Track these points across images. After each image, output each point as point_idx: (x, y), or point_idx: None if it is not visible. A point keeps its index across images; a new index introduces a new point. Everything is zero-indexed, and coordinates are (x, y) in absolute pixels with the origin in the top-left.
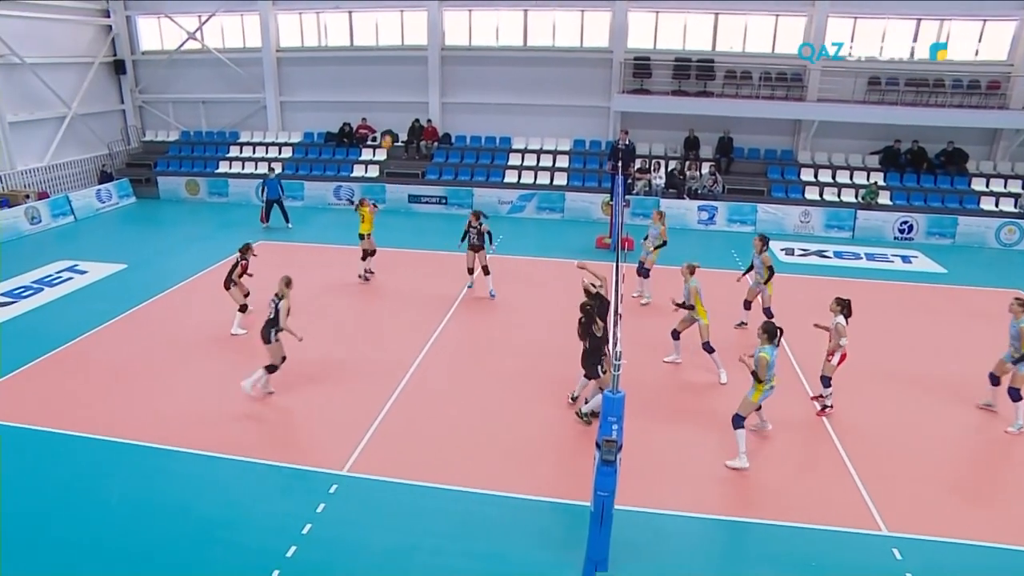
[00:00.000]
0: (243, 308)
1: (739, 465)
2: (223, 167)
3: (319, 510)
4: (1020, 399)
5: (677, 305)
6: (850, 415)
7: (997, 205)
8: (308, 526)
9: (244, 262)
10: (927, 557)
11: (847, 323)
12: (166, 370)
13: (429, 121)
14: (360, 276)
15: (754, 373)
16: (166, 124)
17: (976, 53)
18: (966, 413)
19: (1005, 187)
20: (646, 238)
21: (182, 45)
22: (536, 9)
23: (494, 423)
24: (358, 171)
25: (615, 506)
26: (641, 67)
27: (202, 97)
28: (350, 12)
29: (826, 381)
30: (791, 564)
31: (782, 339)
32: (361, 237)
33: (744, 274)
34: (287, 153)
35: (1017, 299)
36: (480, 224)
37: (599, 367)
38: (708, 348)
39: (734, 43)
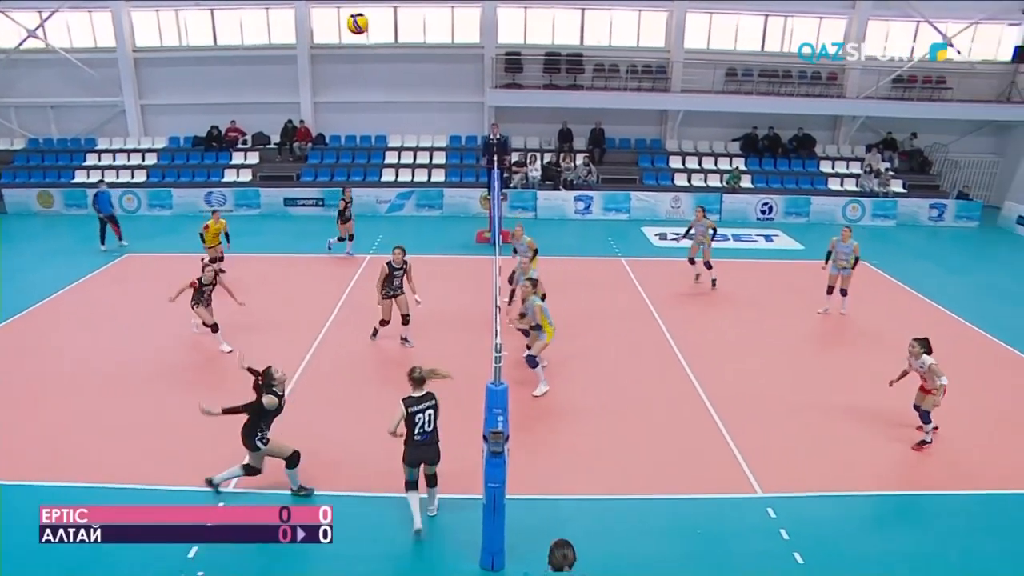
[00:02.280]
0: (215, 327)
1: (541, 391)
2: (80, 176)
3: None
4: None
5: (519, 329)
6: (723, 386)
7: (842, 185)
8: (194, 549)
9: (195, 281)
10: (797, 512)
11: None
12: (37, 395)
13: (302, 122)
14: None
15: (538, 326)
16: (9, 131)
17: (816, 47)
18: (824, 375)
19: (847, 168)
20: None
21: (21, 43)
22: (406, 6)
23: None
24: (229, 176)
25: (507, 495)
26: (512, 62)
27: (50, 101)
28: (212, 10)
29: (926, 417)
30: (679, 534)
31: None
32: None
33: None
34: (151, 160)
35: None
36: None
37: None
38: (531, 362)
39: (601, 37)
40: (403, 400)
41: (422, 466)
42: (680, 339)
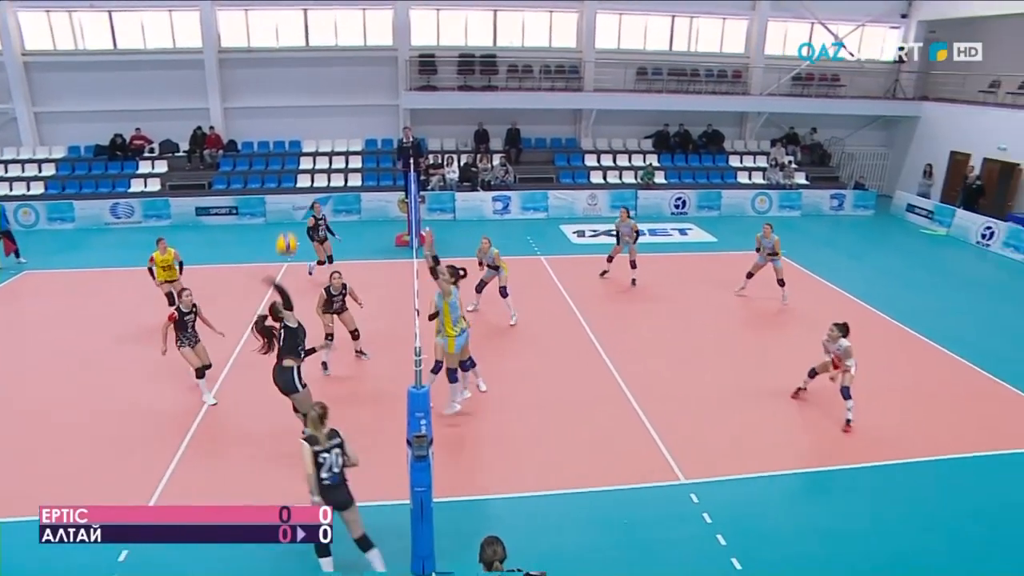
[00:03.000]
0: (201, 371)
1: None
2: None
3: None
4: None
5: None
6: (644, 377)
7: (750, 178)
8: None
9: (173, 313)
10: (718, 496)
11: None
12: None
13: (212, 128)
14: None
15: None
16: None
17: (720, 46)
18: (739, 361)
19: (754, 162)
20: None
21: None
22: (316, 8)
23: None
24: (136, 186)
25: (434, 499)
26: (426, 64)
27: None
28: (110, 12)
29: (846, 392)
30: (606, 525)
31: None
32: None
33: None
34: (49, 170)
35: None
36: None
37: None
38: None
39: (514, 38)
40: (306, 439)
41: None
42: (601, 333)
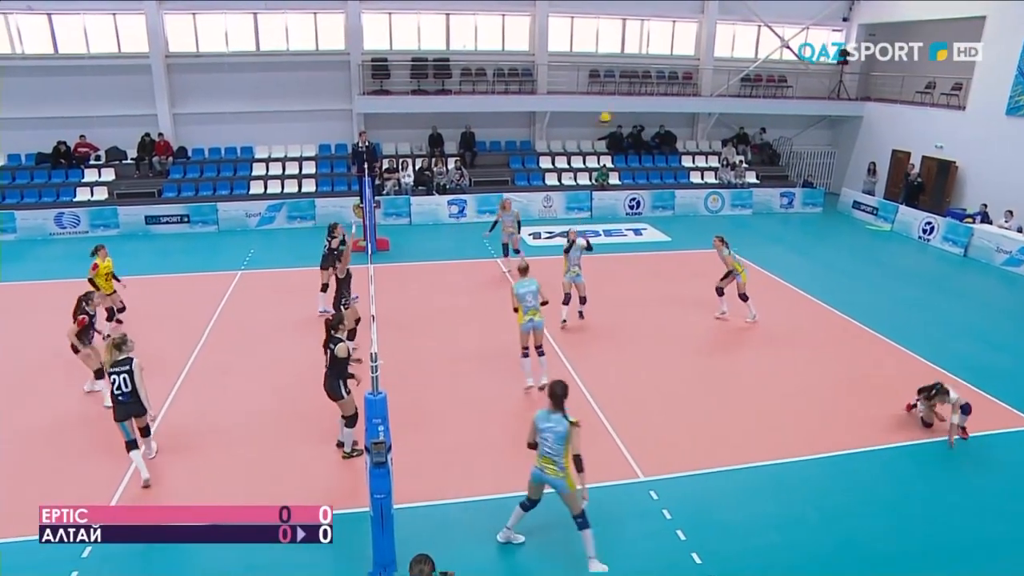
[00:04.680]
0: (100, 373)
1: (527, 385)
2: None
3: None
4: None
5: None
6: (602, 377)
7: (702, 178)
8: (88, 549)
9: (83, 317)
10: (677, 492)
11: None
12: None
13: (160, 135)
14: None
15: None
16: None
17: (671, 49)
18: (694, 358)
19: (707, 162)
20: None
21: None
22: (266, 12)
23: (258, 443)
24: (82, 194)
25: (394, 506)
26: (379, 68)
27: None
28: (48, 15)
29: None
30: (566, 525)
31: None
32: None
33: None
34: None
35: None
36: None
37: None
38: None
39: (467, 42)
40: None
41: (133, 421)
42: (558, 335)
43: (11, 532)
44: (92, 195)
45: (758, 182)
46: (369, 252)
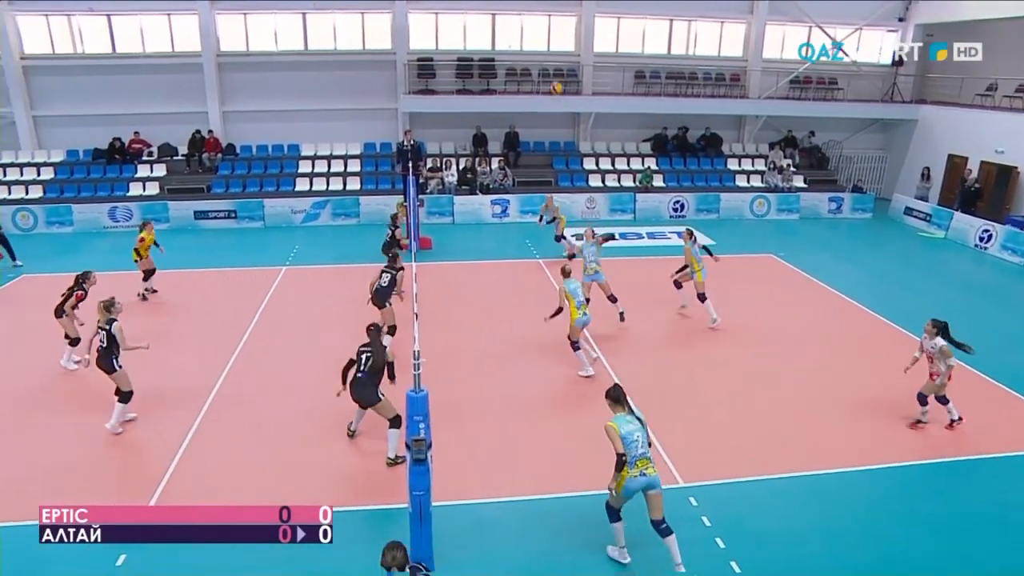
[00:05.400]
0: (75, 341)
1: (586, 373)
2: None
3: (119, 563)
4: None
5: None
6: (642, 381)
7: (748, 181)
8: (123, 556)
9: (80, 292)
10: (716, 499)
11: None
12: None
13: (210, 132)
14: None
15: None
16: None
17: (719, 50)
18: (737, 365)
19: (753, 165)
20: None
21: None
22: (315, 12)
23: (301, 439)
24: (135, 189)
25: (432, 503)
26: (425, 68)
27: None
28: (108, 16)
29: (922, 399)
30: (604, 529)
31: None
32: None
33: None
34: (48, 174)
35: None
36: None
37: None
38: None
39: (512, 42)
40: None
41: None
42: (599, 336)
43: None
44: (144, 190)
45: (806, 186)
46: (413, 251)
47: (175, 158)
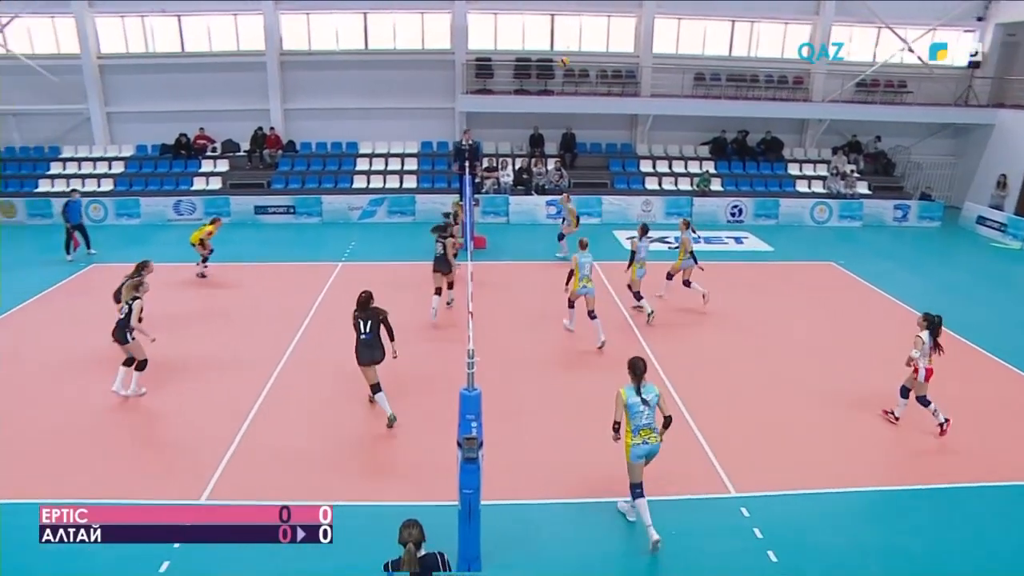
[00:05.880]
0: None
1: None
2: (44, 186)
3: (176, 545)
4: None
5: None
6: (695, 386)
7: (809, 187)
8: (166, 563)
9: (138, 279)
10: (770, 511)
11: (929, 339)
12: None
13: (272, 129)
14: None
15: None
16: None
17: (782, 52)
18: (795, 374)
19: (815, 171)
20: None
21: None
22: (376, 12)
23: (355, 434)
24: (199, 184)
25: (482, 502)
26: (483, 68)
27: (12, 109)
28: (179, 16)
29: (904, 392)
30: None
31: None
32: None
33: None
34: (118, 168)
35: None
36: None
37: None
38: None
39: (571, 43)
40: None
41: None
42: (652, 340)
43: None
44: (207, 184)
45: (870, 193)
46: (469, 250)
47: (237, 154)
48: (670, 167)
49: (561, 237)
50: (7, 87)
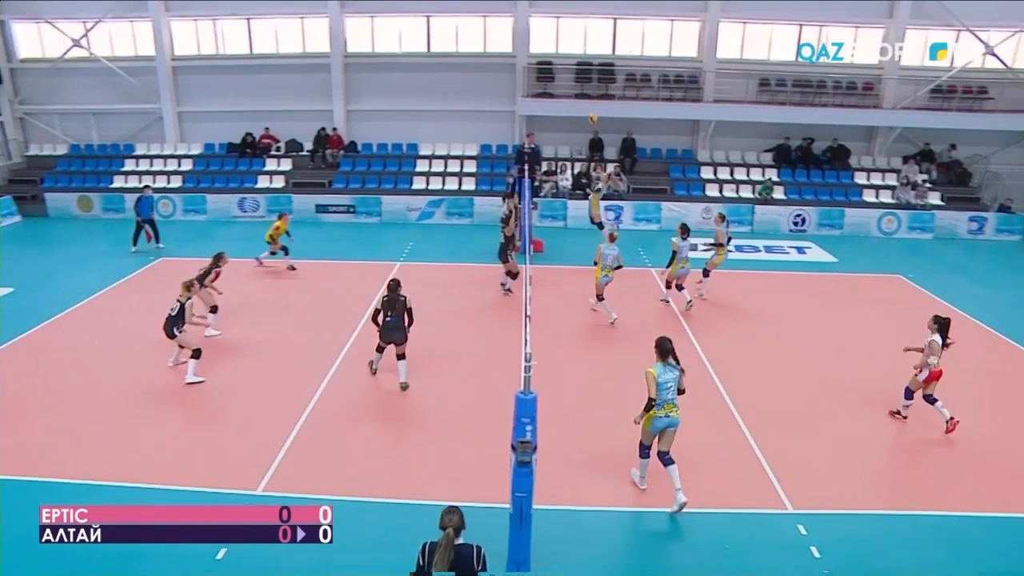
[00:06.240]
0: (214, 308)
1: (612, 319)
2: (118, 182)
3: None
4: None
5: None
6: (753, 398)
7: (877, 197)
8: (223, 551)
9: (218, 270)
10: (829, 530)
11: (942, 344)
12: (65, 397)
13: (334, 129)
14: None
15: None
16: (52, 137)
17: (852, 56)
18: (858, 390)
19: (883, 180)
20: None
21: (66, 53)
22: (439, 15)
23: (410, 431)
24: (263, 182)
25: (534, 506)
26: (544, 71)
27: (92, 108)
28: (248, 19)
29: (908, 393)
30: (706, 549)
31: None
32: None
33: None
34: (187, 165)
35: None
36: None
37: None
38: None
39: (633, 47)
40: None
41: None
42: (709, 349)
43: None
44: (271, 183)
45: (942, 204)
46: (527, 253)
47: (300, 153)
48: (731, 174)
49: (600, 225)
50: (89, 87)
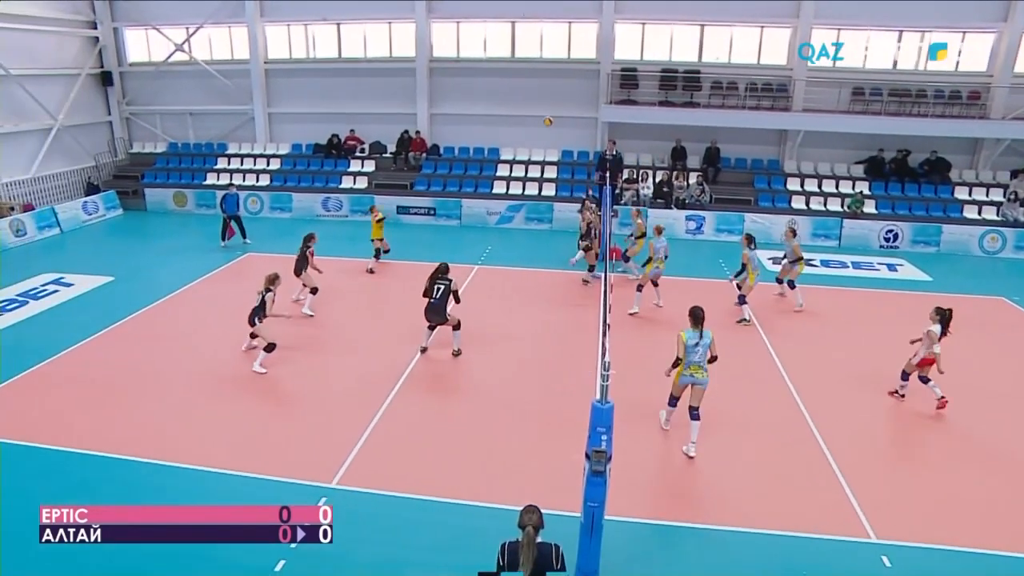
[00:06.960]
0: (314, 290)
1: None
2: (211, 179)
3: (292, 545)
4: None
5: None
6: (838, 420)
7: (980, 213)
8: (282, 562)
9: (310, 250)
10: (916, 564)
11: (941, 334)
12: (155, 383)
13: (418, 132)
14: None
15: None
16: (153, 136)
17: (957, 64)
18: (953, 418)
19: (987, 196)
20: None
21: (169, 57)
22: (524, 21)
23: (483, 434)
24: (347, 182)
25: (605, 516)
26: (628, 78)
27: (189, 108)
28: (338, 24)
29: (904, 375)
30: (781, 573)
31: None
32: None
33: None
34: (275, 165)
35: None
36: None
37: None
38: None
39: (720, 54)
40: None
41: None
42: (791, 367)
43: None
44: (354, 183)
45: None
46: (606, 261)
47: (384, 155)
48: (819, 186)
49: (626, 259)
50: (187, 89)
